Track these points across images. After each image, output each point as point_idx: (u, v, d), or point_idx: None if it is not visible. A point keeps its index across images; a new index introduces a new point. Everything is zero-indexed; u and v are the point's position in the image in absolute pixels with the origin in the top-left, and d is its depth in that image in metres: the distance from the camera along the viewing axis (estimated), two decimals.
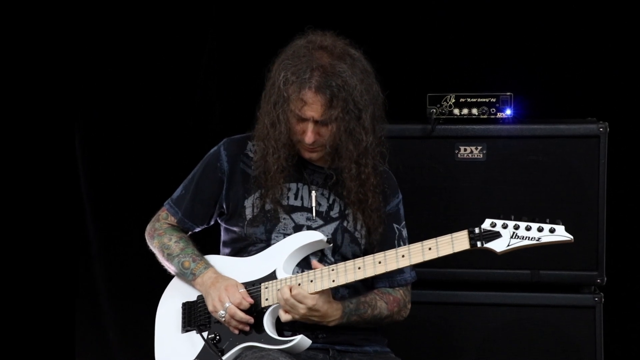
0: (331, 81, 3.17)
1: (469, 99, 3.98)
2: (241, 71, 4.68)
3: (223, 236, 3.52)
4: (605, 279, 3.94)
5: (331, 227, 3.38)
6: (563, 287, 3.97)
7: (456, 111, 3.99)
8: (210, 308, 3.29)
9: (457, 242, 3.11)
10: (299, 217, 3.38)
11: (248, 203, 3.40)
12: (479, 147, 3.97)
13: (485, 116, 3.98)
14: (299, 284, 3.22)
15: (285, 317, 3.21)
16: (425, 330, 4.03)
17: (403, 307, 3.44)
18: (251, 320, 3.24)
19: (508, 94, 3.97)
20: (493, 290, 4.01)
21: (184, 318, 3.40)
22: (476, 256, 3.71)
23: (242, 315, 3.23)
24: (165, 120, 4.86)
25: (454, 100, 3.99)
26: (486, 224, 3.09)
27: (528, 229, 3.06)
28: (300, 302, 3.17)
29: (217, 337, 3.29)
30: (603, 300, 3.94)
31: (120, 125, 4.91)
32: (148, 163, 4.88)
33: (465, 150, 3.98)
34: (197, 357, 3.30)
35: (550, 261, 3.92)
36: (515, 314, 3.99)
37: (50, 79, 4.79)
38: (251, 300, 3.25)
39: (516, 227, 3.06)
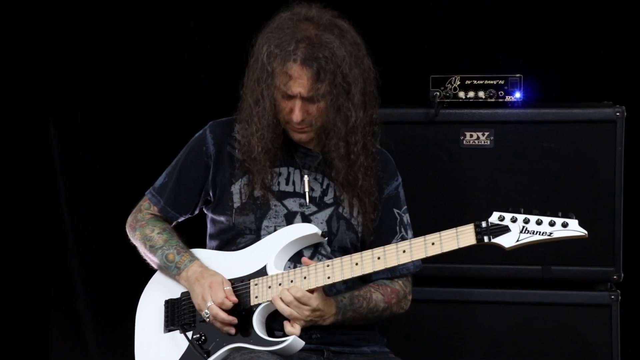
0: (318, 53, 3.08)
1: (475, 81, 3.90)
2: (228, 54, 4.51)
3: (209, 228, 3.41)
4: (622, 275, 3.85)
5: (325, 214, 3.29)
6: (576, 284, 3.90)
7: (461, 94, 3.90)
8: (196, 307, 3.21)
9: (462, 236, 3.02)
10: (291, 204, 3.28)
11: (235, 189, 3.30)
12: (486, 133, 3.88)
13: (492, 100, 3.89)
14: (292, 281, 3.12)
15: (292, 329, 3.10)
16: (428, 330, 3.95)
17: (403, 298, 3.34)
18: (234, 321, 3.14)
19: (517, 75, 3.89)
20: (501, 287, 3.93)
21: (166, 317, 3.29)
22: (483, 251, 3.77)
23: (224, 316, 3.13)
24: (147, 107, 4.80)
25: (459, 83, 3.90)
26: (494, 218, 3.00)
27: (539, 223, 2.96)
28: (305, 304, 3.08)
29: (203, 338, 3.18)
30: (619, 298, 3.85)
31: (97, 113, 4.84)
32: (128, 152, 4.82)
33: (471, 136, 3.89)
34: (180, 359, 3.20)
35: (562, 256, 3.83)
36: (524, 312, 3.91)
37: (23, 67, 4.76)
38: (235, 300, 3.14)
39: (526, 221, 2.97)
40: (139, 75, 4.77)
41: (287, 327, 3.10)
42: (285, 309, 3.07)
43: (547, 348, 3.87)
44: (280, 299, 3.08)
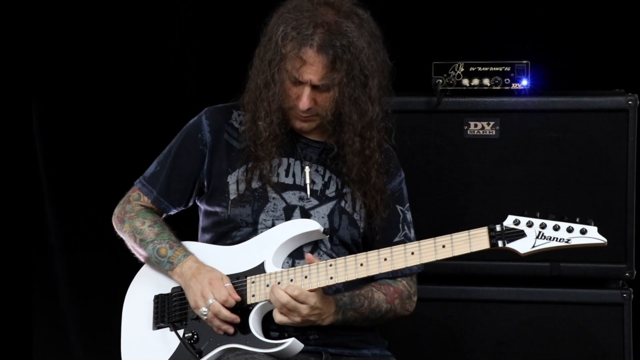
0: (335, 40, 3.05)
1: (480, 68, 3.86)
2: (218, 43, 4.63)
3: (202, 221, 3.36)
4: (635, 272, 3.81)
5: (327, 208, 3.23)
6: (586, 282, 3.85)
7: (465, 82, 3.86)
8: (191, 304, 3.14)
9: (475, 240, 2.96)
10: (291, 197, 3.23)
11: (232, 179, 3.24)
12: (491, 123, 3.84)
13: (498, 87, 3.85)
14: (291, 280, 3.06)
15: (280, 318, 3.04)
16: (431, 331, 3.91)
17: (407, 299, 3.28)
18: (237, 320, 3.08)
19: (524, 62, 3.84)
20: (508, 285, 3.87)
21: (155, 313, 3.22)
22: None
23: (226, 313, 3.06)
24: (135, 97, 4.75)
25: (463, 69, 3.86)
26: (508, 221, 2.94)
27: (556, 228, 2.91)
28: (303, 303, 3.01)
29: (195, 336, 3.12)
30: (632, 296, 3.81)
31: (82, 101, 4.79)
32: (114, 144, 4.78)
33: (475, 126, 3.85)
34: (170, 359, 3.13)
35: (572, 253, 3.58)
36: (532, 311, 3.86)
37: (3, 54, 4.73)
38: (238, 298, 3.08)
39: (543, 227, 2.91)
40: (127, 65, 4.73)
41: (277, 315, 3.04)
42: (280, 307, 3.02)
43: (556, 348, 3.83)
44: (276, 299, 3.02)
